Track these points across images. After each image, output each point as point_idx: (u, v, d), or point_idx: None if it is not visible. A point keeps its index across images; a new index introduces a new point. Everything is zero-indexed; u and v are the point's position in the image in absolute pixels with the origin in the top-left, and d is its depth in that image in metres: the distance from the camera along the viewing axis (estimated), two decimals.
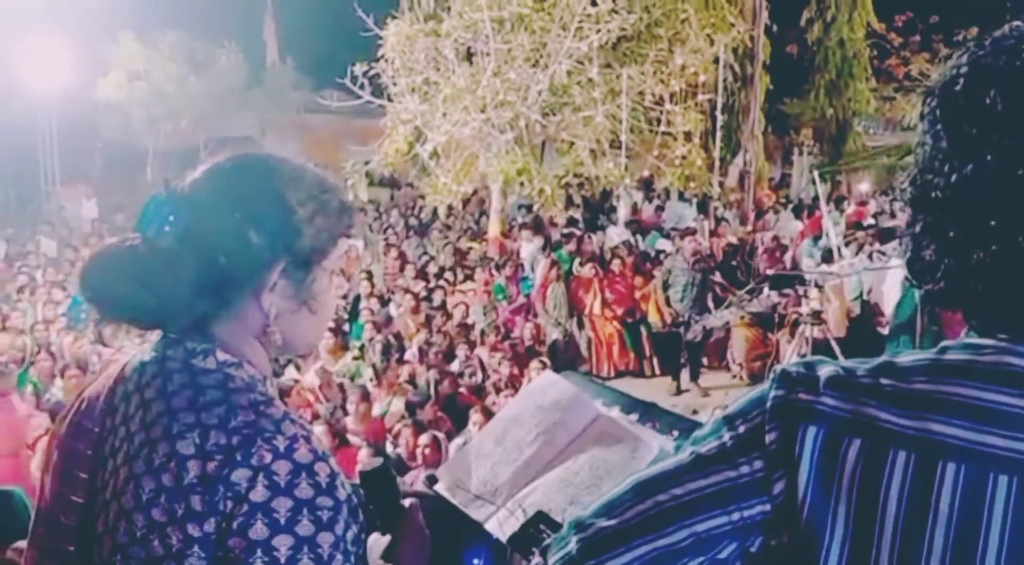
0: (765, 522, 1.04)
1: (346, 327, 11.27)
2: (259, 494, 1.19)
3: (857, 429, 0.99)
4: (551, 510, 1.88)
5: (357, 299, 11.93)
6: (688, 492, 1.06)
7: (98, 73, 21.32)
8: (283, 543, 1.19)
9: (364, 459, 1.57)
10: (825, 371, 1.04)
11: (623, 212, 15.26)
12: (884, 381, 1.00)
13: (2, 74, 18.51)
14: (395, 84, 12.64)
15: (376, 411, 8.24)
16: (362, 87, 12.90)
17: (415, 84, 12.49)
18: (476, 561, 1.72)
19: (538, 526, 1.78)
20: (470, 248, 14.58)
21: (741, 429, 1.06)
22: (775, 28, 20.50)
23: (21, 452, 6.81)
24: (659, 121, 13.11)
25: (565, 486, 1.93)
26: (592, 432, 2.02)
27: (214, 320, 1.34)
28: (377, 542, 1.48)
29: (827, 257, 10.81)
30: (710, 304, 10.99)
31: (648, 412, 2.02)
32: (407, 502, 1.54)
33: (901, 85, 24.53)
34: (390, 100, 12.87)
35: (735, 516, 1.05)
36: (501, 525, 1.88)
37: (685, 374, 10.87)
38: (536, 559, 1.71)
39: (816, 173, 10.45)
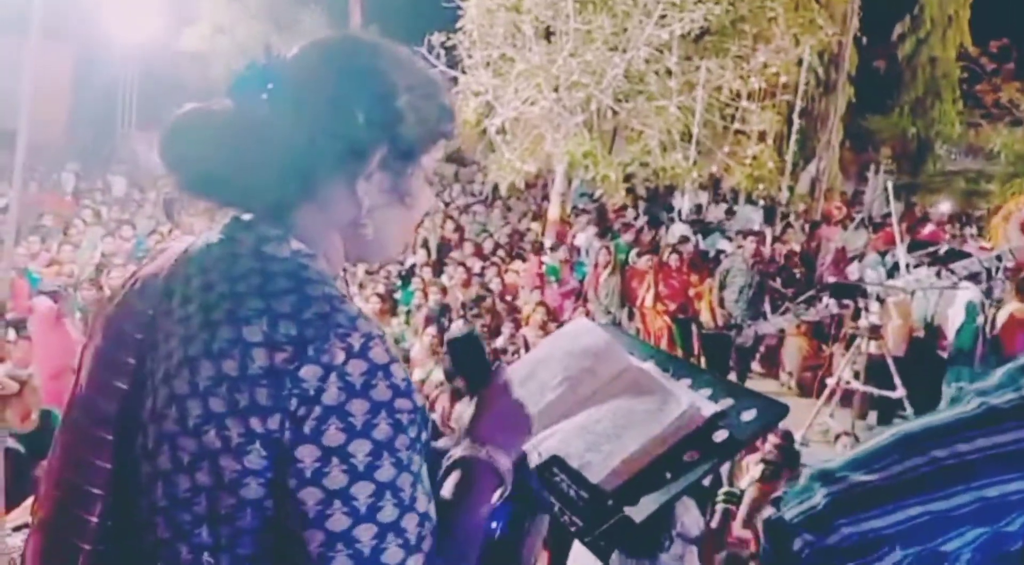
0: None
1: (397, 295, 11.26)
2: (332, 396, 1.07)
3: None
4: (567, 456, 1.77)
5: (412, 267, 11.93)
6: (977, 450, 0.91)
7: (184, 23, 21.61)
8: (361, 449, 1.08)
9: (453, 329, 1.48)
10: None
11: (686, 209, 15.02)
12: None
13: (88, 18, 18.83)
14: (470, 56, 12.59)
15: (416, 376, 8.21)
16: (438, 57, 12.86)
17: (490, 58, 12.41)
18: (493, 524, 1.59)
19: (552, 470, 1.67)
20: (528, 229, 14.48)
21: None
22: (864, 40, 20.00)
23: (65, 375, 6.88)
24: (734, 118, 12.86)
25: (584, 433, 1.81)
26: (620, 382, 1.90)
27: (296, 207, 1.22)
28: (466, 411, 1.40)
29: (892, 272, 10.51)
30: (766, 309, 10.75)
31: (683, 369, 1.89)
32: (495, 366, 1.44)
33: (989, 112, 23.83)
34: (464, 72, 12.83)
35: None
36: None
37: (732, 377, 10.65)
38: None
39: (890, 184, 10.14)
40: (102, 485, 1.20)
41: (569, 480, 1.66)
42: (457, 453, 1.31)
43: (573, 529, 1.60)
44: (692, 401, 1.78)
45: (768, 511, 1.04)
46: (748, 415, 1.74)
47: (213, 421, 1.09)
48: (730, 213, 16.13)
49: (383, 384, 1.10)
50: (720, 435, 1.72)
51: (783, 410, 1.74)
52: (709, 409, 1.76)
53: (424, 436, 1.17)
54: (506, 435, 1.34)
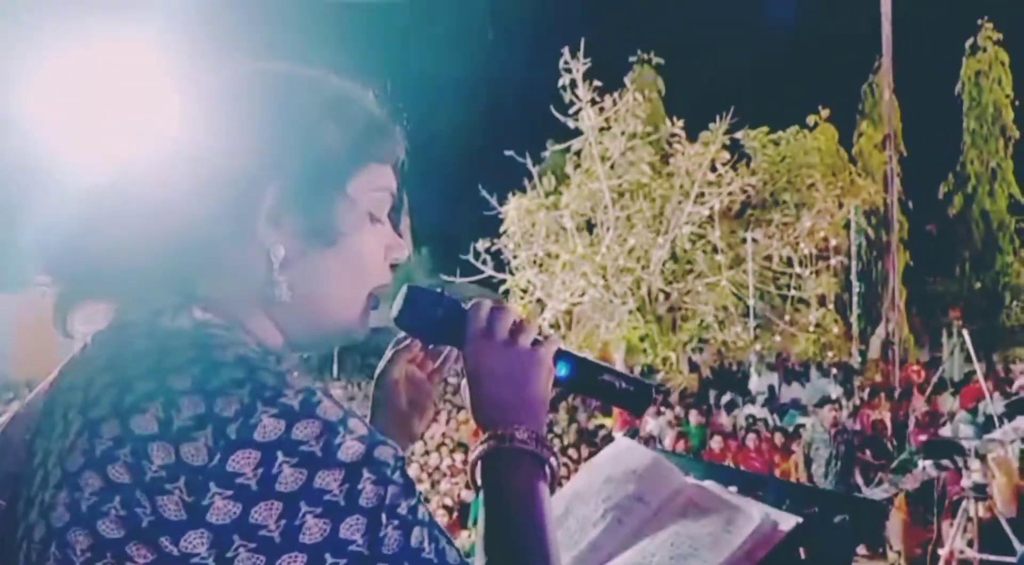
0: None
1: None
2: (289, 479, 0.78)
3: None
4: None
5: None
6: None
7: None
8: (354, 529, 0.79)
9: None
10: None
11: (756, 388, 14.56)
12: None
13: None
14: (515, 257, 12.74)
15: None
16: (484, 263, 13.04)
17: (535, 256, 12.55)
18: None
19: None
20: (601, 427, 14.08)
21: None
22: (911, 205, 20.01)
23: None
24: (789, 286, 12.69)
25: None
26: (675, 505, 1.54)
27: (199, 277, 0.95)
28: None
29: (987, 427, 9.85)
30: (858, 480, 10.08)
31: (749, 482, 1.53)
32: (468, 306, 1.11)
33: None
34: (512, 274, 12.95)
35: None
36: None
37: None
38: None
39: (967, 335, 9.64)
40: None
41: None
42: (471, 457, 1.05)
43: None
44: (766, 514, 1.42)
45: None
46: (840, 521, 1.38)
47: (108, 552, 0.78)
48: (802, 386, 15.65)
49: (350, 440, 0.80)
50: (807, 551, 1.36)
51: (883, 509, 1.38)
52: (789, 521, 1.40)
53: (419, 490, 0.87)
54: (515, 399, 1.05)
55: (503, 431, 1.04)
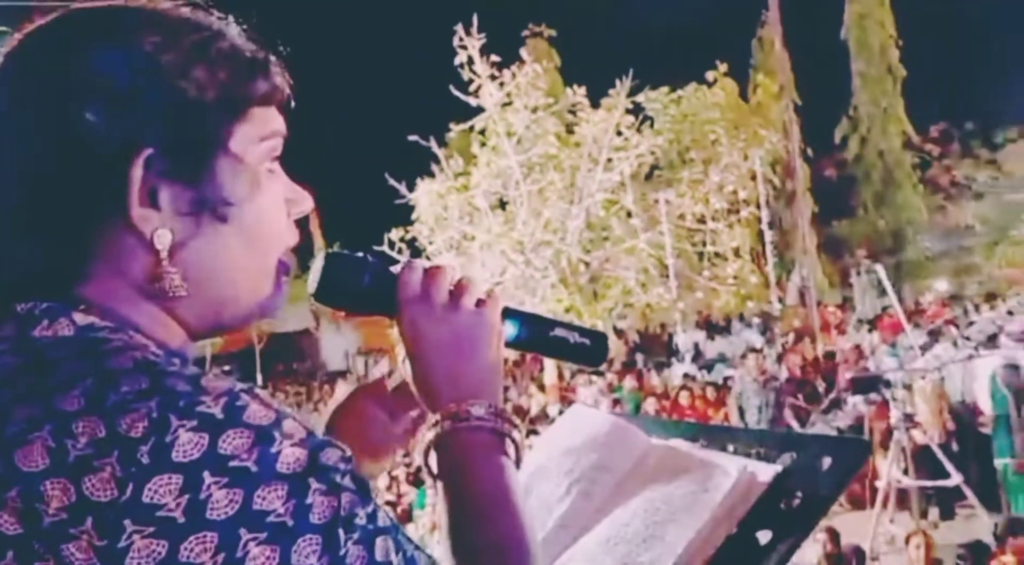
0: None
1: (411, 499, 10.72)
2: (222, 503, 0.65)
3: None
4: None
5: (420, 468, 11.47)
6: None
7: None
8: (309, 552, 0.66)
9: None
10: None
11: (683, 346, 14.79)
12: None
13: None
14: (431, 243, 12.64)
15: None
16: (400, 252, 12.89)
17: (451, 240, 12.47)
18: None
19: None
20: (545, 405, 14.10)
21: None
22: (810, 152, 20.49)
23: None
24: (704, 242, 12.88)
25: (612, 545, 1.35)
26: (643, 470, 1.45)
27: (76, 278, 0.79)
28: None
29: (908, 358, 10.13)
30: (792, 423, 10.29)
31: (719, 434, 1.44)
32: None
33: (949, 193, 24.32)
34: (429, 260, 12.86)
35: None
36: None
37: None
38: None
39: (881, 270, 9.85)
40: None
41: None
42: (422, 442, 0.93)
43: None
44: (743, 466, 1.32)
45: None
46: (822, 464, 1.29)
47: None
48: (726, 339, 15.96)
49: (288, 446, 0.68)
50: (792, 500, 1.27)
51: (865, 447, 1.30)
52: (768, 471, 1.31)
53: (374, 489, 0.76)
54: (466, 370, 0.93)
55: (457, 408, 0.92)
